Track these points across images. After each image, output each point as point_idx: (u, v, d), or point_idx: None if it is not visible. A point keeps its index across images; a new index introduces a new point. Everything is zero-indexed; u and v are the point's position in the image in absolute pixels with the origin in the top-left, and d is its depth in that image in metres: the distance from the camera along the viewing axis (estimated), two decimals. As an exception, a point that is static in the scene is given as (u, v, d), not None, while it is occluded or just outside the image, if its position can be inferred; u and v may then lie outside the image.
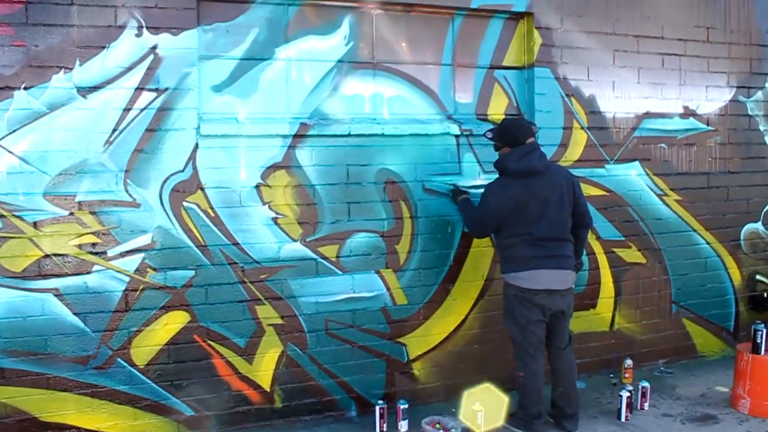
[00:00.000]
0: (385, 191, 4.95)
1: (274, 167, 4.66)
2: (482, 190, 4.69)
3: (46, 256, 4.19)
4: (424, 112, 5.17)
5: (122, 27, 4.28)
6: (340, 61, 4.92)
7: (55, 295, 4.21)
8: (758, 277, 6.41)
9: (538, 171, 4.46)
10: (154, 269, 4.41)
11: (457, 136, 5.14)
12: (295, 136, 4.70)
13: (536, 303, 4.45)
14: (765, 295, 6.43)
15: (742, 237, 6.29)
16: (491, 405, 4.71)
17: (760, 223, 6.37)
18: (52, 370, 4.24)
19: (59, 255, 4.22)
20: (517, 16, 5.38)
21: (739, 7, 6.14)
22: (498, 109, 5.39)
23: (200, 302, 4.52)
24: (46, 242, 4.19)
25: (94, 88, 4.23)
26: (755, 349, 4.96)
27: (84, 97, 4.21)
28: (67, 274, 4.24)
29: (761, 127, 6.32)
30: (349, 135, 4.83)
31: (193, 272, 4.50)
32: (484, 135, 4.90)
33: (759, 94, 6.29)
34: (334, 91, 4.92)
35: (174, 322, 4.48)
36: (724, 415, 5.00)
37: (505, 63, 5.40)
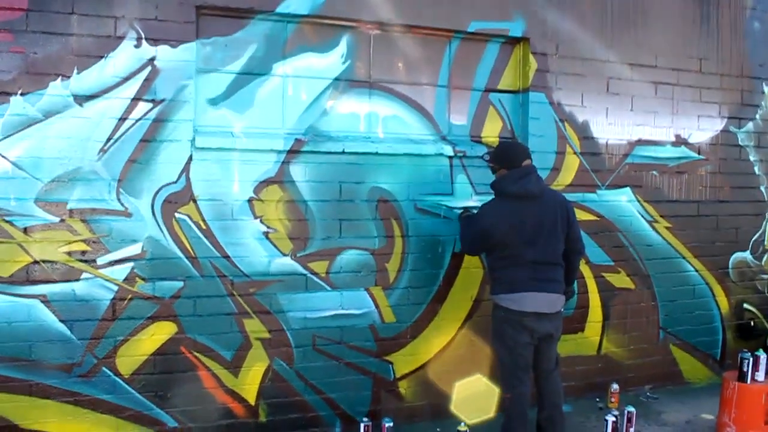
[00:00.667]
0: (377, 209, 4.89)
1: (267, 182, 4.60)
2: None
3: (35, 262, 4.10)
4: (419, 133, 5.11)
5: (121, 37, 4.24)
6: (336, 79, 4.87)
7: (42, 302, 4.12)
8: (746, 305, 6.33)
9: (533, 194, 4.39)
10: (143, 279, 4.32)
11: (450, 157, 5.08)
12: (290, 151, 4.64)
13: (525, 325, 4.35)
14: (752, 323, 6.35)
15: (730, 265, 6.22)
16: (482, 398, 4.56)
17: (748, 252, 6.31)
18: (35, 376, 4.13)
19: (48, 261, 4.13)
20: (513, 41, 5.35)
21: (731, 40, 6.12)
22: (492, 131, 5.34)
23: (188, 314, 4.43)
24: (36, 248, 4.10)
25: (91, 97, 4.17)
26: (741, 378, 4.87)
27: (80, 105, 4.15)
28: (56, 281, 4.14)
29: (751, 158, 6.28)
30: (343, 152, 4.77)
31: (182, 283, 4.41)
32: (481, 157, 4.87)
33: (750, 125, 6.25)
34: (329, 108, 4.87)
35: (161, 333, 4.38)
36: (709, 443, 4.92)
37: (500, 87, 5.36)
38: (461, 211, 4.93)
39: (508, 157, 4.54)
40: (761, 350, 4.99)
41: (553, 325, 4.47)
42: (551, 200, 4.48)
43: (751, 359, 4.85)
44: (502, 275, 4.43)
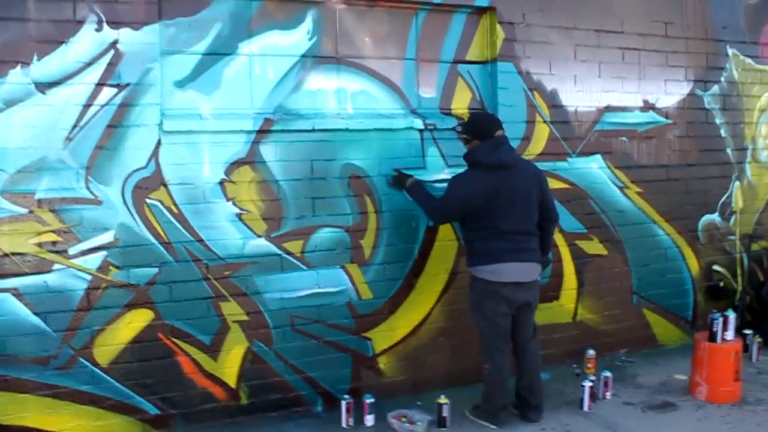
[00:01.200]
0: (350, 186, 4.87)
1: (238, 163, 4.55)
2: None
3: (5, 255, 4.01)
4: (388, 107, 5.09)
5: (81, 22, 4.12)
6: (303, 56, 4.81)
7: (14, 295, 4.04)
8: (715, 267, 6.44)
9: (507, 164, 4.43)
10: (117, 267, 4.26)
11: (421, 131, 5.06)
12: (259, 131, 4.59)
13: (502, 296, 4.42)
14: (721, 284, 6.46)
15: (699, 228, 6.30)
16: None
17: (716, 214, 6.40)
18: (11, 371, 4.06)
19: (18, 254, 4.04)
20: (479, 11, 5.31)
21: (695, 3, 6.15)
22: (461, 103, 5.33)
23: (164, 300, 4.39)
24: (5, 241, 4.01)
25: (53, 84, 4.07)
26: (712, 338, 4.99)
27: (43, 92, 4.04)
28: (27, 273, 4.06)
29: (717, 120, 6.33)
30: (313, 130, 4.73)
31: (156, 269, 4.37)
32: (453, 129, 4.90)
33: (715, 88, 6.31)
34: (297, 86, 4.82)
35: (137, 321, 4.34)
36: (683, 402, 5.03)
37: (468, 57, 5.33)
38: (395, 176, 4.91)
39: (481, 128, 4.58)
40: (730, 310, 5.13)
41: (531, 294, 4.56)
42: (524, 170, 4.54)
43: (720, 320, 4.97)
44: (479, 246, 4.49)
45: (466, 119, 5.03)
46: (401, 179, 4.87)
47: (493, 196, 4.38)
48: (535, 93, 5.44)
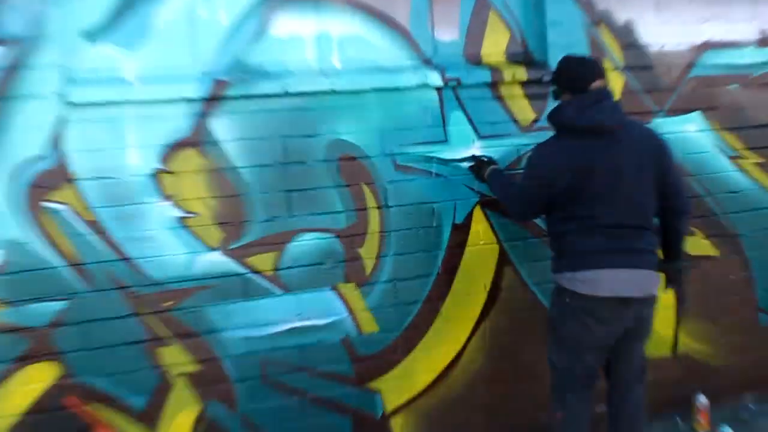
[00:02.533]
0: (340, 172, 4.79)
1: (178, 145, 4.48)
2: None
3: None
4: (391, 58, 5.00)
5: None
6: (268, -12, 4.78)
7: None
8: None
9: (607, 128, 4.28)
10: (4, 303, 4.17)
11: (439, 89, 4.98)
12: (208, 99, 4.52)
13: (599, 318, 4.26)
14: None
15: None
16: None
17: None
18: None
19: None
20: None
21: None
22: (495, 48, 5.22)
23: (75, 348, 4.31)
24: None
25: None
26: None
27: None
28: None
29: None
30: (285, 94, 4.67)
31: (63, 304, 4.28)
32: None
33: None
34: (261, 32, 4.75)
35: (36, 380, 4.26)
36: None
37: (502, -19, 5.29)
38: (471, 163, 4.92)
39: (570, 75, 4.48)
40: None
41: (642, 316, 4.40)
42: (636, 137, 4.39)
43: None
44: (567, 246, 4.39)
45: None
46: (480, 169, 4.88)
47: (586, 174, 4.23)
48: (601, 28, 5.33)
